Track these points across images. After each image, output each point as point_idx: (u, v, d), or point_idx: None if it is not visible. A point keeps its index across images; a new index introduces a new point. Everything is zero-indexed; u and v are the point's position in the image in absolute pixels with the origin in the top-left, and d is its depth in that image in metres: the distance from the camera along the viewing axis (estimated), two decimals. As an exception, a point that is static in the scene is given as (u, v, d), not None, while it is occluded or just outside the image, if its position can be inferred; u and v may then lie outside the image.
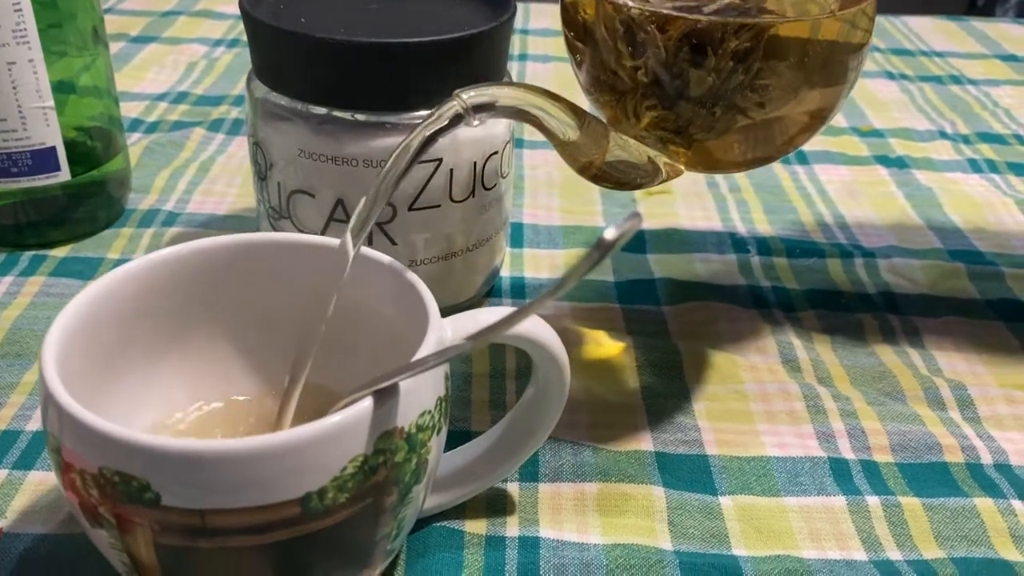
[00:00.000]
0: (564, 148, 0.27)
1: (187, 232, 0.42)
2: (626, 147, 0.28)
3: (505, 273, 0.40)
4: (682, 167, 0.29)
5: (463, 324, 0.24)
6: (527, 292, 0.39)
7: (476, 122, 0.25)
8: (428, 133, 0.24)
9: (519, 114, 0.26)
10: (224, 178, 0.46)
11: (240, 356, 0.28)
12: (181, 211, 0.43)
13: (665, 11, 0.25)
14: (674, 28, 0.24)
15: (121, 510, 0.20)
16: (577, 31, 0.28)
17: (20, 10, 0.35)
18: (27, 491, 0.28)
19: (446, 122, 0.24)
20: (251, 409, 0.28)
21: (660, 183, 0.29)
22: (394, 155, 0.25)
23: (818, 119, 0.27)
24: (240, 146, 0.50)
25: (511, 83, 0.26)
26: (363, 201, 0.25)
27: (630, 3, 0.25)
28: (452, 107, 0.25)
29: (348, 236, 0.25)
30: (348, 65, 0.31)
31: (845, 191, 0.48)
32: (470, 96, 0.25)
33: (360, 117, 0.32)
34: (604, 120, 0.28)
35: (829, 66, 0.26)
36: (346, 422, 0.20)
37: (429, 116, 0.25)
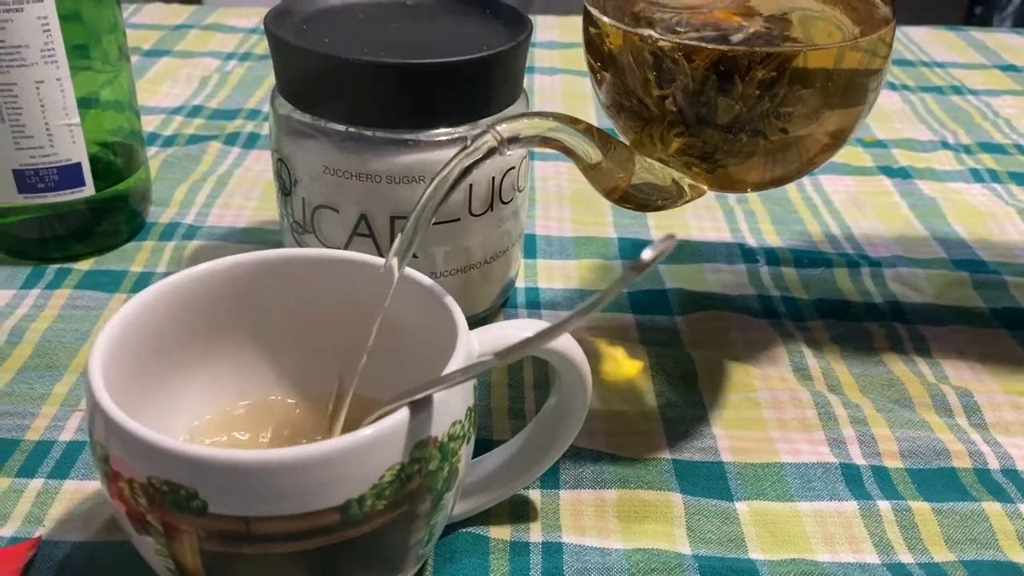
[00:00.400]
0: (590, 172, 0.28)
1: (208, 245, 0.43)
2: (651, 170, 0.29)
3: (520, 284, 0.41)
4: (705, 188, 0.30)
5: (490, 338, 0.25)
6: (541, 303, 0.40)
7: (508, 152, 0.26)
8: (465, 165, 0.25)
9: (547, 141, 0.27)
10: (242, 191, 0.47)
11: (273, 365, 0.29)
12: (201, 224, 0.44)
13: (693, 43, 0.26)
14: (701, 58, 0.25)
15: (169, 518, 0.21)
16: (602, 60, 0.28)
17: (48, 30, 0.36)
18: (63, 499, 0.29)
19: (482, 155, 0.26)
20: (282, 415, 0.29)
21: (683, 204, 0.30)
22: (432, 185, 0.26)
23: (839, 140, 0.28)
24: (256, 160, 0.51)
25: (539, 112, 0.27)
26: (404, 229, 0.26)
27: (656, 35, 0.26)
28: (487, 141, 0.26)
29: (393, 259, 0.25)
30: (371, 85, 0.32)
31: (850, 202, 0.49)
32: (503, 129, 0.26)
33: (383, 134, 0.32)
34: (628, 143, 0.29)
35: (851, 90, 0.27)
36: (384, 432, 0.21)
37: (464, 148, 0.26)
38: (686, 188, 0.29)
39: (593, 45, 0.29)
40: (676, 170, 0.29)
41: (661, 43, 0.26)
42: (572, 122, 0.27)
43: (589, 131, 0.27)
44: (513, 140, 0.26)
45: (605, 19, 0.28)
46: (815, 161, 0.29)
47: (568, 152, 0.27)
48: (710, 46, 0.25)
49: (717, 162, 0.28)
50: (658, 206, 0.30)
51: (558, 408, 0.27)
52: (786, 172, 0.29)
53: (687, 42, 0.26)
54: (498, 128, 0.26)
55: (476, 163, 0.26)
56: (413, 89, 0.32)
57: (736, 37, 0.26)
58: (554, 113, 0.27)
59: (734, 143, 0.27)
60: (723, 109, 0.26)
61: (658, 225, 0.46)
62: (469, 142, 0.26)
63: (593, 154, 0.27)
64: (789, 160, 0.28)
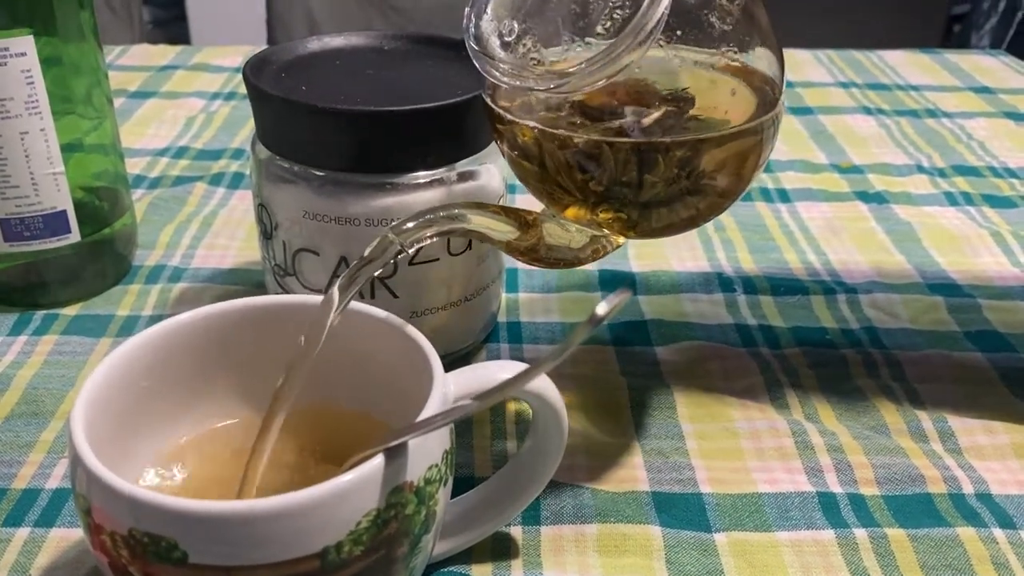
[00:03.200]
0: (509, 248, 0.30)
1: (194, 287, 0.43)
2: (562, 235, 0.30)
3: (502, 319, 0.42)
4: (621, 241, 0.31)
5: (466, 380, 0.26)
6: (523, 336, 0.41)
7: (412, 251, 0.27)
8: (371, 273, 0.27)
9: (453, 233, 0.28)
10: (227, 232, 0.48)
11: (256, 408, 0.29)
12: (186, 266, 0.45)
13: (608, 138, 0.27)
14: (620, 149, 0.27)
15: (150, 569, 0.21)
16: (519, 151, 0.29)
17: (32, 83, 0.37)
18: (50, 548, 0.30)
19: (388, 260, 0.27)
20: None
21: (603, 256, 0.31)
22: (346, 280, 0.27)
23: (749, 181, 0.29)
24: (241, 200, 0.51)
25: (445, 207, 0.28)
26: (340, 282, 0.27)
27: (573, 135, 0.27)
28: (390, 246, 0.27)
29: (335, 290, 0.26)
30: (348, 132, 0.32)
31: (827, 228, 0.50)
32: (404, 233, 0.27)
33: (361, 178, 0.33)
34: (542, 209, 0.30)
35: (754, 149, 0.28)
36: (360, 480, 0.22)
37: (368, 256, 0.27)
38: (603, 244, 0.31)
39: (502, 136, 0.30)
40: (594, 230, 0.30)
41: (577, 140, 0.27)
42: (479, 208, 0.28)
43: (499, 212, 0.29)
44: (417, 240, 0.27)
45: (511, 117, 0.28)
46: (725, 205, 0.30)
47: (481, 237, 0.28)
48: (624, 140, 0.27)
49: (639, 227, 0.29)
50: (580, 262, 0.31)
51: (535, 447, 0.28)
52: (699, 219, 0.30)
53: (602, 139, 0.27)
54: (401, 230, 0.27)
55: (383, 268, 0.27)
56: (389, 134, 0.33)
57: (647, 119, 0.27)
58: (461, 203, 0.28)
59: (656, 212, 0.28)
60: (647, 188, 0.27)
61: (638, 255, 0.47)
62: (371, 249, 0.27)
63: (509, 232, 0.28)
64: (702, 211, 0.29)
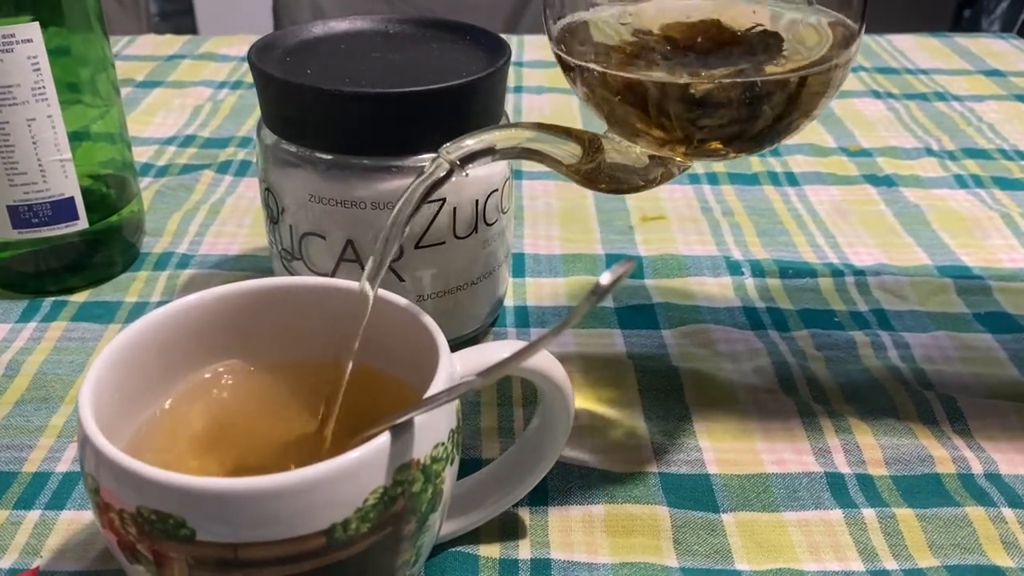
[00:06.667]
0: (567, 170, 0.29)
1: (201, 273, 0.43)
2: (625, 155, 0.29)
3: (509, 303, 0.42)
4: (688, 163, 0.30)
5: (471, 359, 0.26)
6: (530, 320, 0.41)
7: (466, 173, 0.26)
8: (421, 191, 0.26)
9: (520, 153, 0.27)
10: (234, 219, 0.48)
11: (263, 391, 0.30)
12: (194, 253, 0.45)
13: (727, 80, 0.26)
14: (735, 90, 0.27)
15: (158, 547, 0.22)
16: (622, 96, 0.28)
17: (39, 69, 0.37)
18: (60, 530, 0.30)
19: (436, 179, 0.26)
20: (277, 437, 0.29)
21: (669, 180, 0.30)
22: (396, 209, 0.26)
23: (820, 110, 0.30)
24: (248, 187, 0.51)
25: (500, 125, 0.27)
26: (374, 253, 0.26)
27: (693, 80, 0.27)
28: (440, 165, 0.26)
29: (365, 281, 0.26)
30: (354, 114, 0.32)
31: (835, 211, 0.49)
32: (455, 151, 0.26)
33: (367, 161, 0.33)
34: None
35: (841, 79, 0.29)
36: (367, 457, 0.22)
37: (421, 175, 0.26)
38: (674, 167, 0.30)
39: (591, 85, 0.29)
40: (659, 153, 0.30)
41: (701, 86, 0.27)
42: (539, 127, 0.27)
43: (560, 132, 0.28)
44: (467, 159, 0.26)
45: (605, 69, 0.27)
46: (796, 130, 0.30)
47: (540, 158, 0.28)
48: (739, 79, 0.26)
49: (720, 153, 0.29)
50: (646, 184, 0.30)
51: (542, 427, 0.28)
52: (785, 139, 0.30)
53: (722, 81, 0.26)
54: (449, 151, 0.26)
55: (435, 186, 0.26)
56: (395, 117, 0.33)
57: (765, 60, 0.27)
58: (521, 124, 0.27)
59: (753, 138, 0.28)
60: (761, 120, 0.27)
61: (645, 239, 0.47)
62: (426, 168, 0.27)
63: (570, 152, 0.28)
64: (780, 135, 0.29)
